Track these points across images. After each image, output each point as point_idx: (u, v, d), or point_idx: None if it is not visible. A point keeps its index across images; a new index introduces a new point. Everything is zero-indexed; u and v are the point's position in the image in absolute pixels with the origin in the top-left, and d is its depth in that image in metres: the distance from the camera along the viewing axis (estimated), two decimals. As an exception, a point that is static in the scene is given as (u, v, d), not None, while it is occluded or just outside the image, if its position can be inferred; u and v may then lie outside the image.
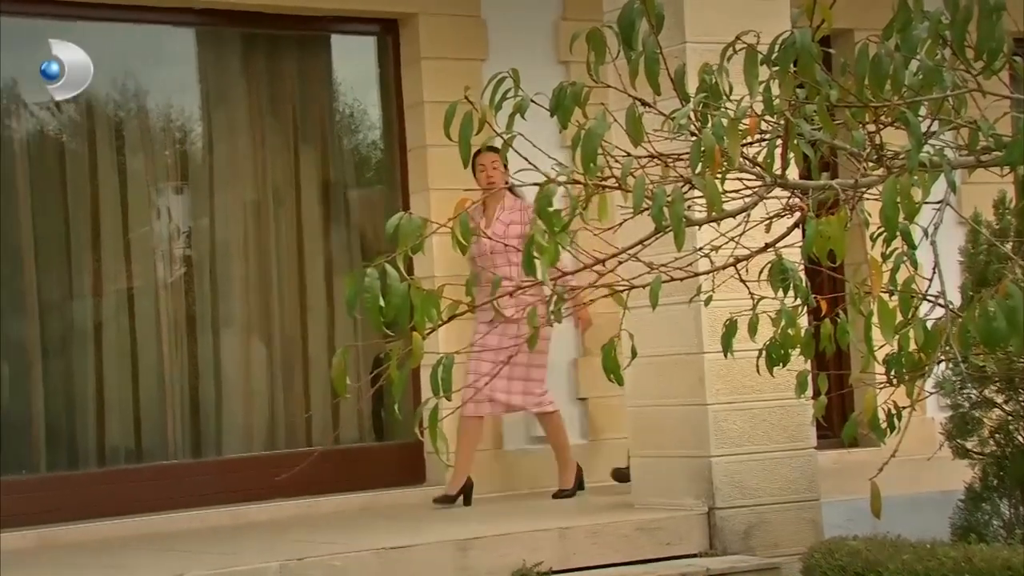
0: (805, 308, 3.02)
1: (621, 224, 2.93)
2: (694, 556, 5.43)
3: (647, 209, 2.59)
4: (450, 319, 2.87)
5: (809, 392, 3.22)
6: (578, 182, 2.72)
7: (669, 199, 2.55)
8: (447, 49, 6.84)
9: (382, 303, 2.71)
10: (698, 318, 5.41)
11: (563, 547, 5.31)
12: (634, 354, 3.04)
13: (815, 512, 5.63)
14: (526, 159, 2.83)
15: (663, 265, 2.92)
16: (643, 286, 2.87)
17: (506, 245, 5.86)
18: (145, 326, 6.57)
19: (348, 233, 7.10)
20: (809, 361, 3.16)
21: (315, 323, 6.95)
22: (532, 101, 2.76)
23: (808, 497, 5.64)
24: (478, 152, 5.90)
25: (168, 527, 6.00)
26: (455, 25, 6.89)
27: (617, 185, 2.67)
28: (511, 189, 5.99)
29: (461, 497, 6.24)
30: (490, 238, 5.90)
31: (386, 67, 7.06)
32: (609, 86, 2.82)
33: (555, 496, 6.33)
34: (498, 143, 2.78)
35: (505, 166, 5.86)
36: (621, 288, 3.01)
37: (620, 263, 2.93)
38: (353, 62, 7.25)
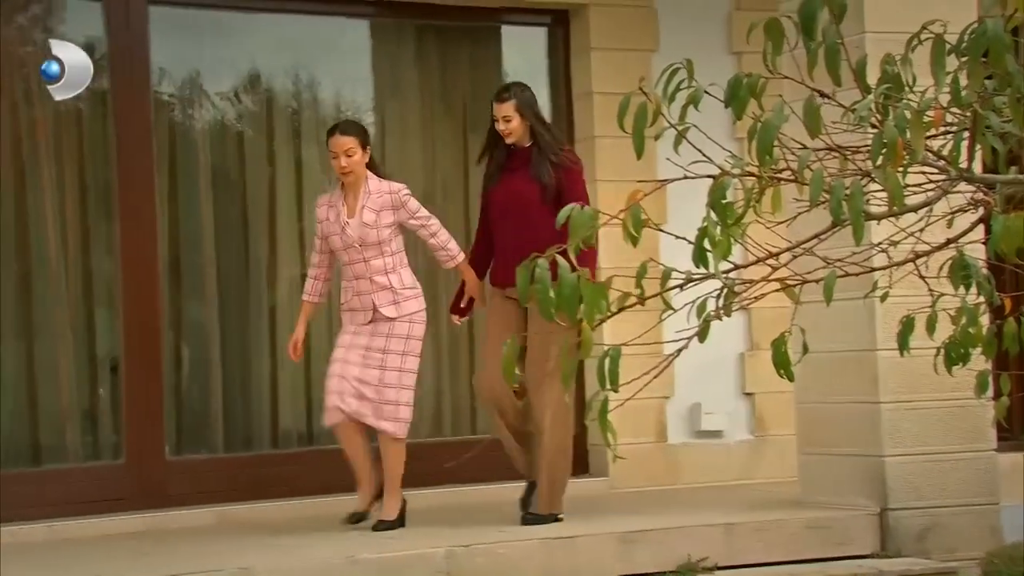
0: (987, 306, 2.93)
1: (795, 217, 2.87)
2: (865, 557, 5.32)
3: (824, 202, 2.53)
4: (619, 311, 2.86)
5: (990, 392, 3.12)
6: (752, 174, 2.68)
7: (848, 193, 2.49)
8: (617, 40, 6.81)
9: (552, 294, 2.72)
10: (872, 314, 5.28)
11: (729, 543, 5.25)
12: (805, 350, 2.98)
13: (994, 516, 5.45)
14: (700, 151, 2.79)
15: (838, 260, 2.86)
16: (816, 281, 2.81)
17: (362, 243, 5.33)
18: (317, 312, 6.71)
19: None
20: (990, 361, 3.05)
21: (481, 312, 7.00)
22: (706, 92, 2.73)
23: (987, 501, 5.46)
24: (329, 135, 5.46)
25: (338, 510, 6.12)
26: (626, 15, 6.86)
27: (793, 178, 2.62)
28: (374, 172, 5.44)
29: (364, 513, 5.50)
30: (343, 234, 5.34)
31: (556, 58, 7.07)
32: (786, 77, 2.77)
33: (375, 528, 5.45)
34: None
35: (364, 146, 5.39)
36: (793, 283, 2.96)
37: (794, 257, 2.87)
38: (523, 53, 7.27)
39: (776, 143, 2.59)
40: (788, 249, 2.84)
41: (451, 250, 5.52)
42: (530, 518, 5.42)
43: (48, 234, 6.19)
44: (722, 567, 5.15)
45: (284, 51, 6.72)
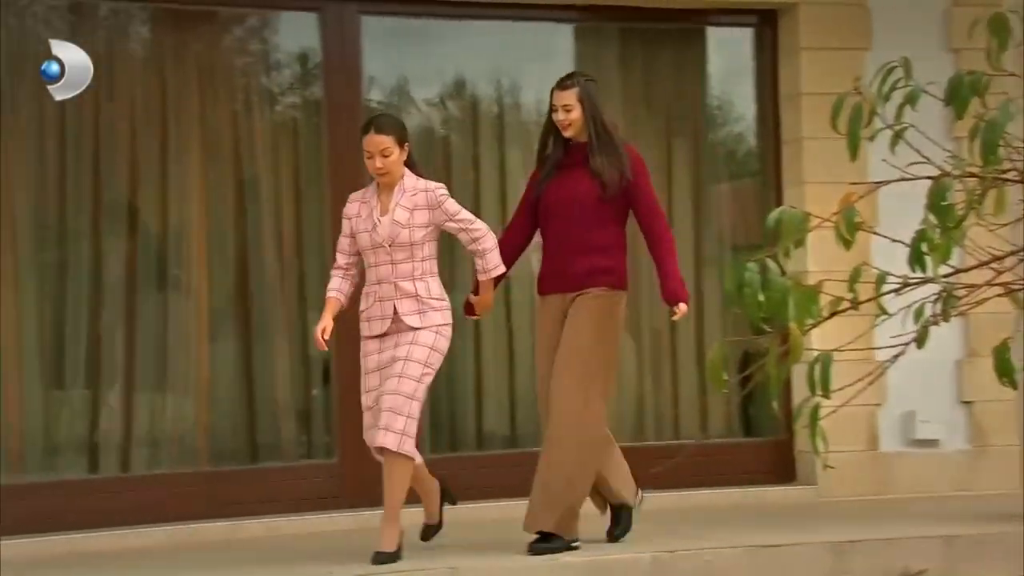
0: None
1: (1021, 219, 2.75)
2: (1095, 576, 5.06)
3: (1053, 203, 2.42)
4: (831, 316, 2.79)
5: None
6: (974, 175, 2.58)
7: (1080, 193, 2.38)
8: (828, 38, 6.66)
9: (761, 298, 2.68)
10: (1102, 320, 5.01)
11: (947, 555, 5.07)
12: (1031, 357, 2.86)
13: None
14: (918, 151, 2.71)
15: (1068, 263, 2.73)
16: (1044, 285, 2.69)
17: (391, 243, 4.80)
18: (519, 315, 6.77)
19: (718, 226, 7.06)
20: None
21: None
22: (923, 91, 2.65)
23: None
24: (364, 132, 4.90)
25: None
26: (838, 13, 6.70)
27: (1019, 178, 2.52)
28: (412, 170, 4.91)
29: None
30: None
31: (763, 58, 6.96)
32: (1011, 74, 2.66)
33: (374, 561, 4.82)
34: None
35: (401, 144, 4.86)
36: (1018, 287, 2.84)
37: (1020, 261, 2.75)
38: (728, 54, 7.18)
39: (1001, 142, 2.48)
40: (1013, 252, 2.72)
41: (489, 261, 4.95)
42: (537, 547, 4.89)
43: (264, 239, 6.41)
44: (940, 581, 4.98)
45: (489, 57, 6.80)
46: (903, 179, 2.71)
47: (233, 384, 6.35)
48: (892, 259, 2.82)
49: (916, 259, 2.59)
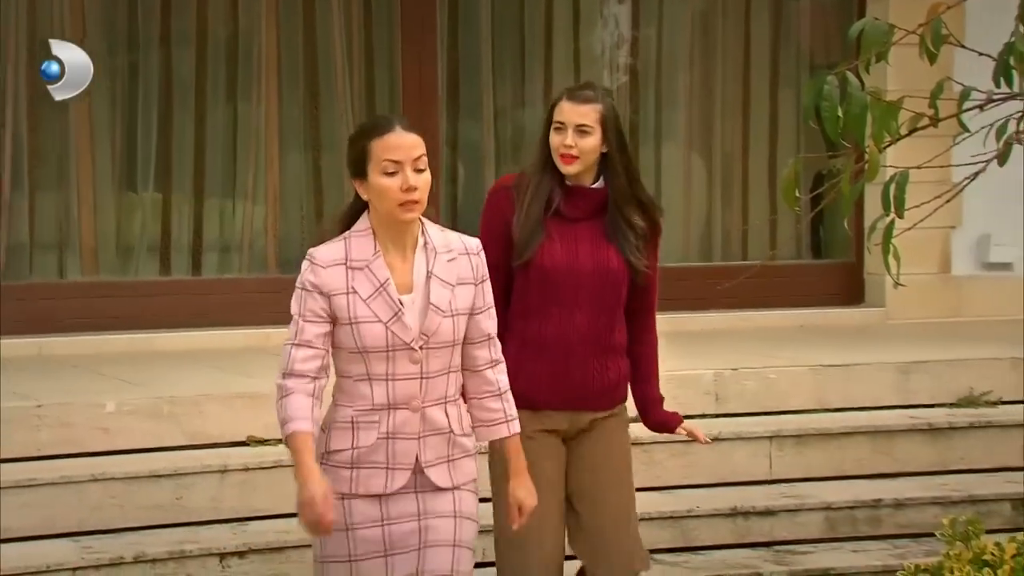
0: None
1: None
2: None
3: None
4: (910, 133, 2.74)
5: None
6: None
7: None
8: None
9: (840, 113, 2.63)
10: None
11: (1016, 377, 5.06)
12: None
13: None
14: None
15: None
16: None
17: (427, 343, 2.84)
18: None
19: (797, 43, 6.88)
20: None
21: (757, 137, 6.85)
22: None
23: None
24: (386, 129, 2.87)
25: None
26: None
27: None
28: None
29: None
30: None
31: None
32: None
33: None
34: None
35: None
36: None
37: None
38: None
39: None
40: None
41: (513, 403, 3.06)
42: None
43: (335, 55, 6.33)
44: (1007, 401, 4.97)
45: None
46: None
47: (298, 195, 6.36)
48: (977, 75, 2.74)
49: (1003, 73, 2.51)
